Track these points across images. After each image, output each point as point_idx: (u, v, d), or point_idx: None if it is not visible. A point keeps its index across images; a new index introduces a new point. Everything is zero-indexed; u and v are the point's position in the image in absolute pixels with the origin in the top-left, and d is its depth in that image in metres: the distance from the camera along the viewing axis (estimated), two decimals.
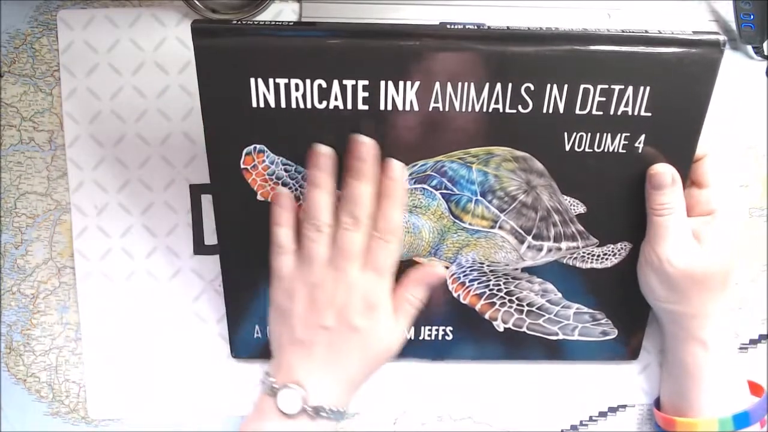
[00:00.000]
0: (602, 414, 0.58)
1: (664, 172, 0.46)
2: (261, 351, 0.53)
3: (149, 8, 0.50)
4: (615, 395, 0.58)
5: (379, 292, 0.44)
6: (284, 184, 0.46)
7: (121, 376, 0.57)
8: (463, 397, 0.57)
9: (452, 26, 0.43)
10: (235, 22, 0.45)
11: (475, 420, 0.58)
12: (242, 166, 0.46)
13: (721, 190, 0.48)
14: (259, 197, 0.47)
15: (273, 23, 0.43)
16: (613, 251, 0.49)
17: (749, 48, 0.52)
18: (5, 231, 0.54)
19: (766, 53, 0.51)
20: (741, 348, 0.58)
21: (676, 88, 0.43)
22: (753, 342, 0.58)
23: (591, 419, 0.58)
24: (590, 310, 0.51)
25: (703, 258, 0.47)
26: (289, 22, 0.48)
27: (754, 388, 0.52)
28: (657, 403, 0.56)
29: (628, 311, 0.52)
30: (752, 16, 0.50)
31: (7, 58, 0.51)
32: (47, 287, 0.55)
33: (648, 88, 0.43)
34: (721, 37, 0.42)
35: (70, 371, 0.57)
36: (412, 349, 0.52)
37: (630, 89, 0.43)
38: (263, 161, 0.46)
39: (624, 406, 0.58)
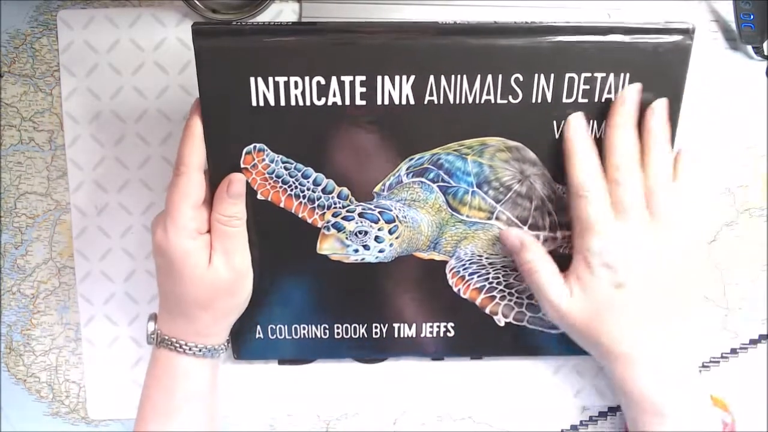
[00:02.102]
0: (602, 414, 0.58)
1: (507, 236, 0.47)
2: (263, 352, 0.52)
3: (149, 8, 0.50)
4: (615, 395, 0.58)
5: None
6: (284, 183, 0.46)
7: (121, 376, 0.57)
8: (463, 397, 0.57)
9: (444, 23, 0.44)
10: (235, 22, 0.45)
11: (475, 420, 0.58)
12: (242, 166, 0.46)
13: None
14: (259, 196, 0.47)
15: (272, 23, 0.44)
16: None
17: (749, 48, 0.52)
18: (5, 231, 0.54)
19: (766, 53, 0.51)
20: (741, 347, 0.58)
21: (653, 75, 0.45)
22: (753, 342, 0.57)
23: (591, 419, 0.58)
24: None
25: (572, 308, 0.45)
26: (288, 22, 0.48)
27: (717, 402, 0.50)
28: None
29: None
30: (752, 16, 0.50)
31: (7, 58, 0.51)
32: (47, 287, 0.55)
33: (627, 75, 0.45)
34: (691, 25, 0.44)
35: (70, 371, 0.57)
36: (413, 347, 0.52)
37: (611, 76, 0.45)
38: (263, 160, 0.46)
39: None
